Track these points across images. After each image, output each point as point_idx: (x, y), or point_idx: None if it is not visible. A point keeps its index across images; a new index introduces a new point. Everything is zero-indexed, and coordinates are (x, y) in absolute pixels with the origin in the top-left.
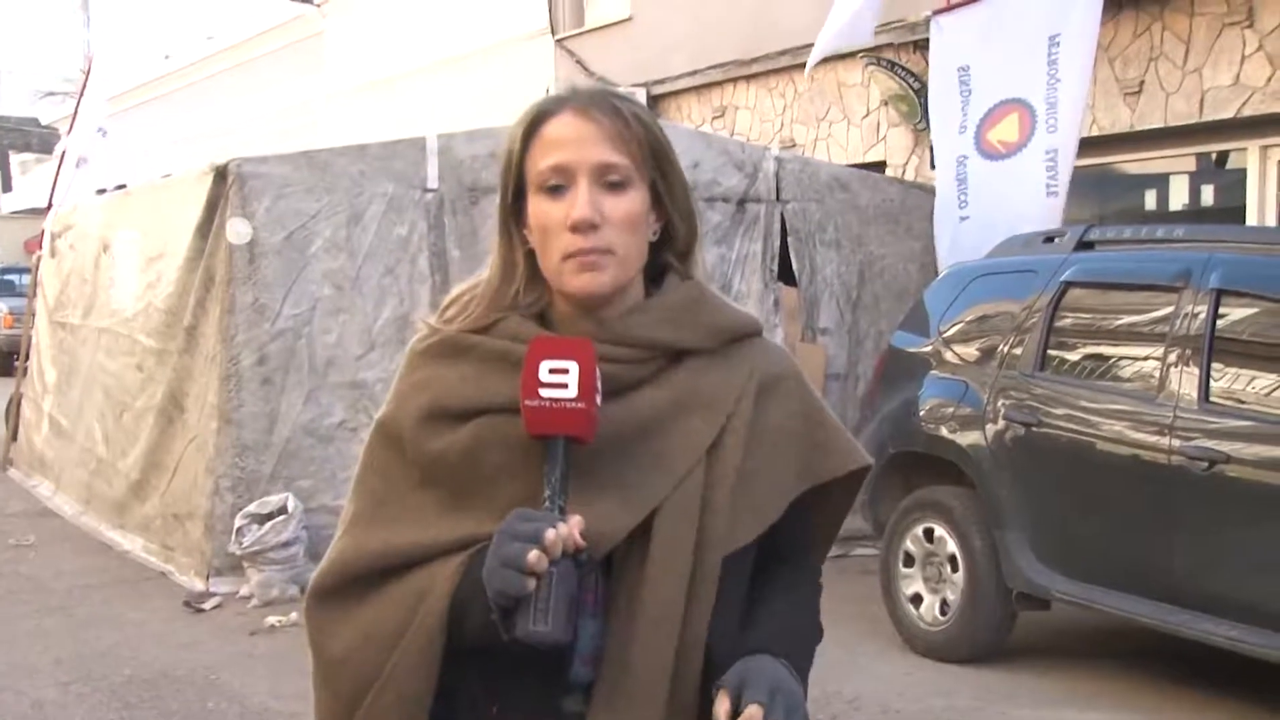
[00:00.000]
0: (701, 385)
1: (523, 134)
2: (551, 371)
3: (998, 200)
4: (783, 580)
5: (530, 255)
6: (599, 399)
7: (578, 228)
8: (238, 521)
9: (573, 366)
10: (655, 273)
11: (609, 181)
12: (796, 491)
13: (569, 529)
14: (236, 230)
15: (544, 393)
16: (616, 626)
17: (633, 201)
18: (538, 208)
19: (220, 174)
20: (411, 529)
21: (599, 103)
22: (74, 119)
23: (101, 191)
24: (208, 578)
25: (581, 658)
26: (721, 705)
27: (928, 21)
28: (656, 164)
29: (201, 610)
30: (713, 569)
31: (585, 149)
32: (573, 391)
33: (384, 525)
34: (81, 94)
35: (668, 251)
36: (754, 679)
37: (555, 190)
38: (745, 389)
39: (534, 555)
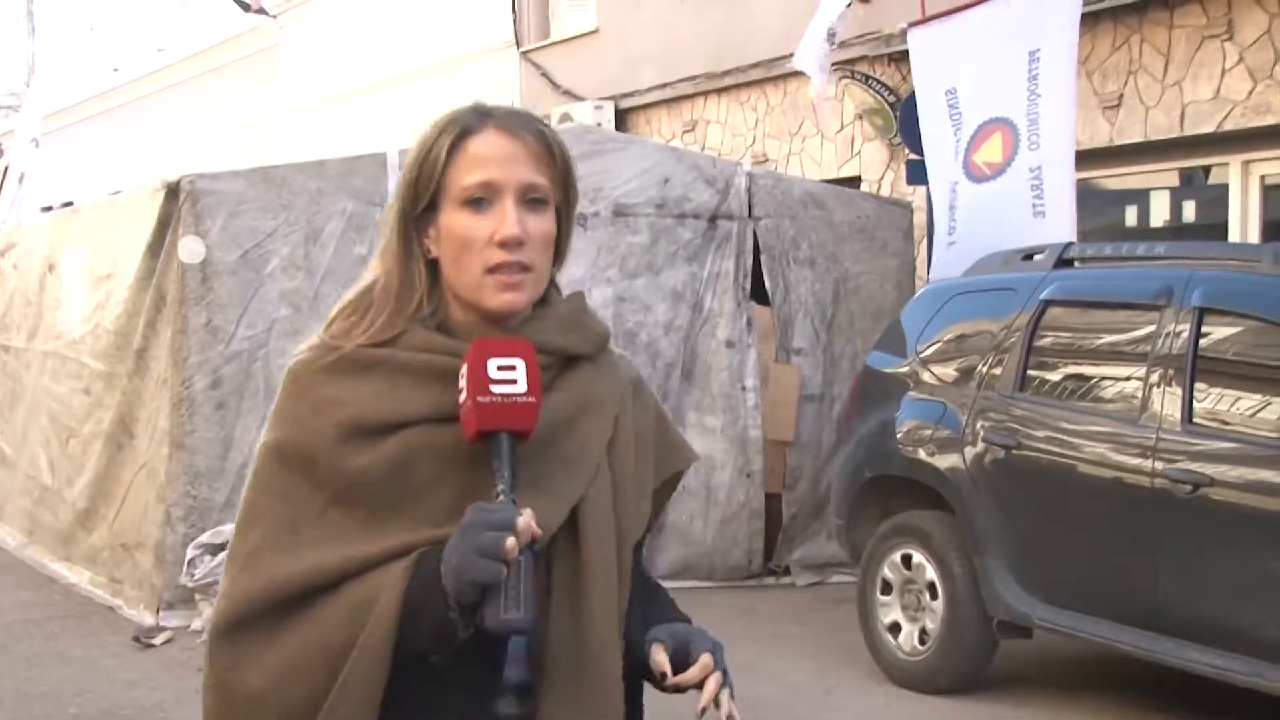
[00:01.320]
0: (592, 389)
1: (448, 147)
2: (500, 369)
3: (984, 224)
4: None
5: (430, 265)
6: None
7: (506, 244)
8: (190, 552)
9: (519, 363)
10: None
11: (530, 199)
12: (652, 486)
13: (530, 516)
14: (189, 249)
15: (495, 389)
16: (559, 622)
17: (549, 221)
18: (459, 221)
19: (172, 190)
20: (334, 548)
21: (525, 124)
22: (16, 133)
23: (47, 209)
24: (158, 611)
25: (512, 657)
26: (660, 655)
27: (903, 34)
28: (565, 187)
29: (151, 645)
30: (628, 560)
31: (513, 168)
32: (522, 387)
33: (302, 548)
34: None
35: (553, 267)
36: (693, 635)
37: (478, 204)
38: (624, 392)
39: (511, 542)
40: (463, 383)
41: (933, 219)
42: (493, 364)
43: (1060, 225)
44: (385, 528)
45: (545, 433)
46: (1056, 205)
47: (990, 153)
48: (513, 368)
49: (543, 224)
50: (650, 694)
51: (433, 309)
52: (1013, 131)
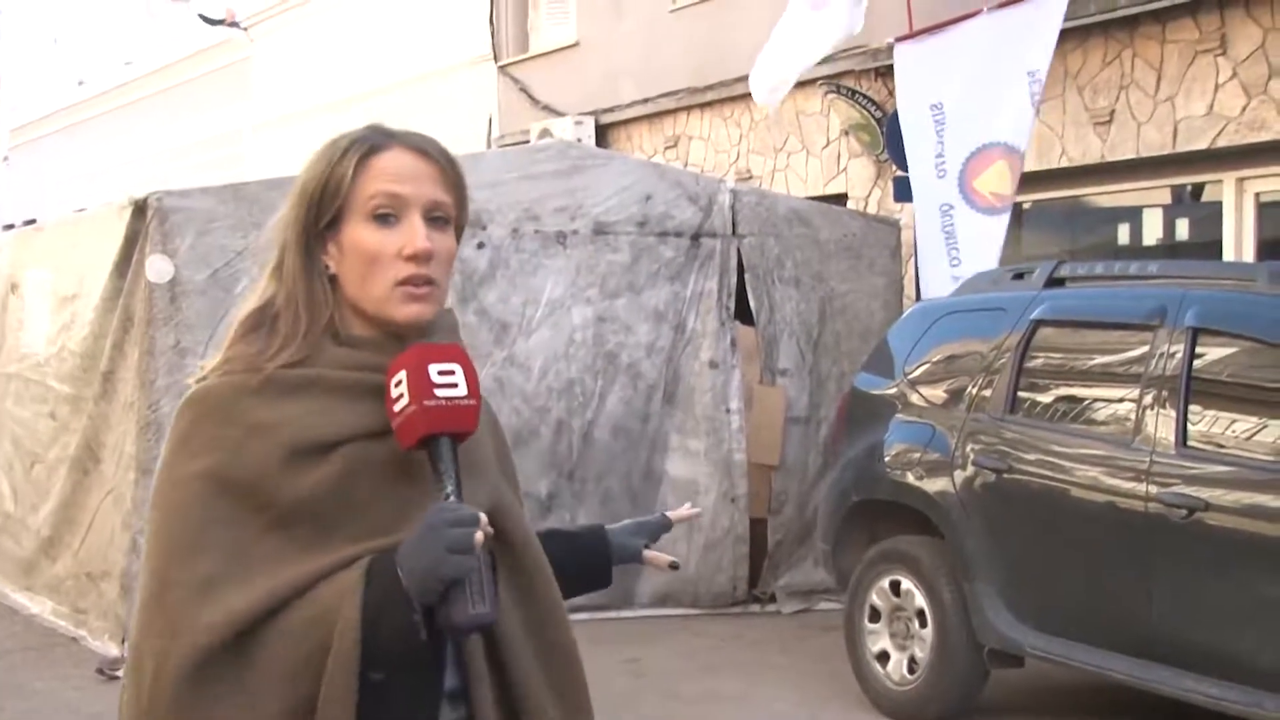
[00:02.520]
0: None
1: (356, 163)
2: (441, 373)
3: (992, 256)
4: None
5: (331, 280)
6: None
7: (417, 257)
8: None
9: (458, 367)
10: None
11: (435, 217)
12: None
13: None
14: (157, 268)
15: (439, 393)
16: (508, 623)
17: (452, 239)
18: (366, 235)
19: (139, 208)
20: (281, 572)
21: (428, 145)
22: None
23: (9, 227)
24: (123, 642)
25: (449, 665)
26: (653, 553)
27: (890, 48)
28: (462, 209)
29: (115, 678)
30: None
31: (422, 185)
32: (464, 390)
33: (252, 577)
34: None
35: None
36: (642, 525)
37: (384, 219)
38: (486, 404)
39: (480, 536)
40: (399, 390)
41: (917, 240)
42: (433, 369)
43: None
44: (327, 546)
45: None
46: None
47: (995, 182)
48: (452, 371)
49: (446, 241)
50: (656, 691)
51: (336, 324)
52: (1020, 160)
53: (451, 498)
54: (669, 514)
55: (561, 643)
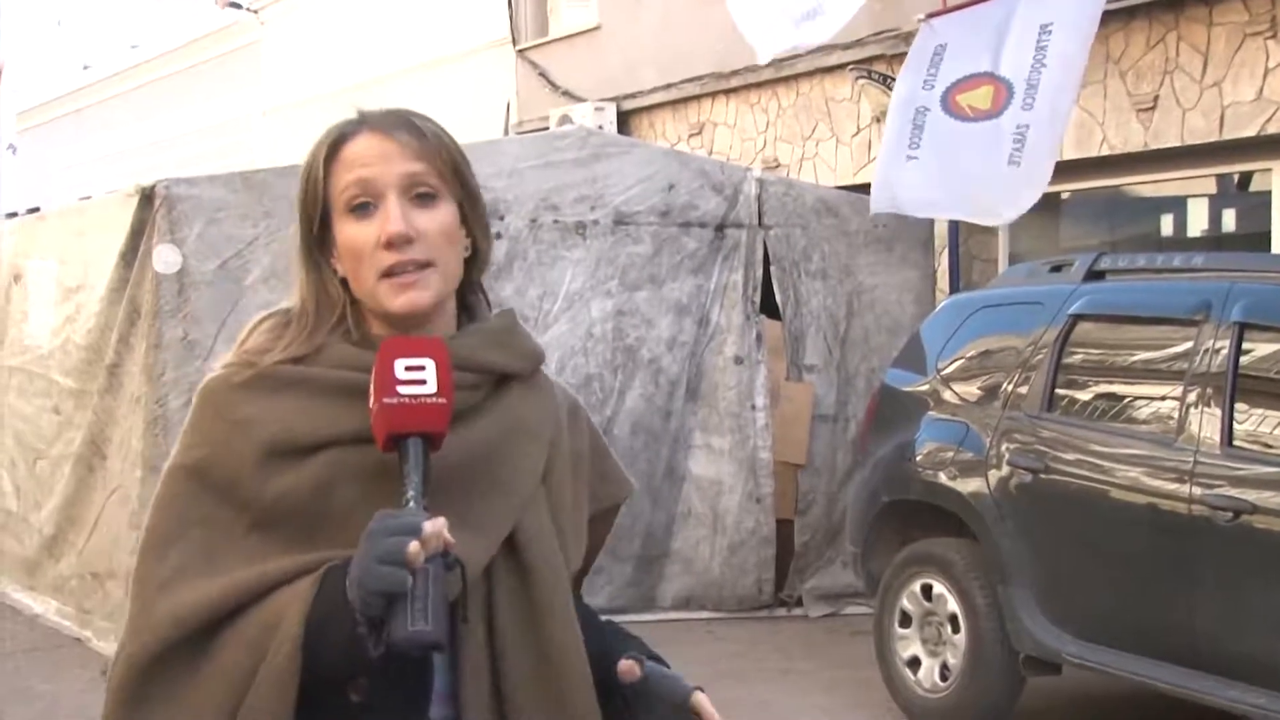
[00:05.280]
0: (525, 412)
1: (324, 158)
2: (408, 369)
3: (952, 154)
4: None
5: (345, 283)
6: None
7: (392, 243)
8: None
9: (429, 363)
10: (460, 295)
11: (419, 194)
12: (586, 515)
13: (441, 524)
14: (164, 258)
15: (402, 390)
16: (518, 659)
17: (446, 214)
18: (348, 230)
19: (146, 196)
20: (247, 571)
21: (399, 122)
22: None
23: (12, 215)
24: None
25: (438, 696)
26: (628, 663)
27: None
28: (461, 182)
29: None
30: (570, 592)
31: (391, 163)
32: (432, 387)
33: (217, 576)
34: None
35: (474, 271)
36: (667, 676)
37: (362, 209)
38: (559, 417)
39: (414, 546)
40: (372, 389)
41: (884, 138)
42: (400, 364)
43: (1032, 180)
44: (305, 551)
45: (477, 459)
46: (1033, 161)
47: (979, 100)
48: (421, 368)
49: (437, 216)
50: None
51: (354, 326)
52: (1007, 89)
53: (411, 504)
54: (700, 697)
55: (576, 695)
